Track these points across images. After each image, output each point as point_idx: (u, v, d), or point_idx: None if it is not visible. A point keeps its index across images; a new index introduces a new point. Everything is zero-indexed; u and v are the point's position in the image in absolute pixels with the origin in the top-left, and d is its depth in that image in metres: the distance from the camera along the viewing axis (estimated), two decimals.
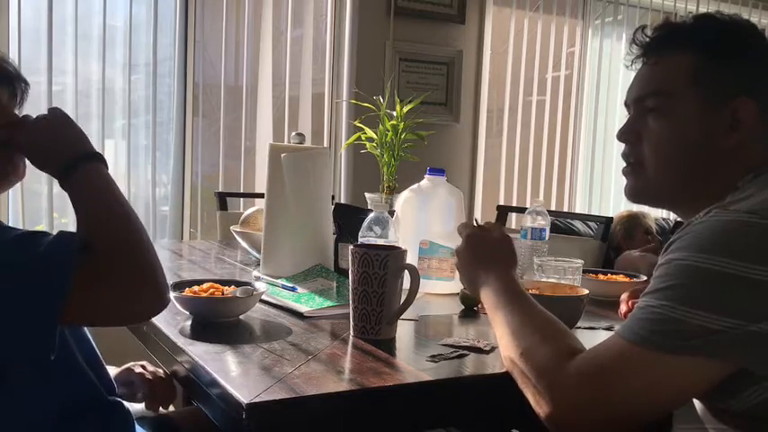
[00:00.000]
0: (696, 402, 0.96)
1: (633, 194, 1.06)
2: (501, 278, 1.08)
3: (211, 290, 1.25)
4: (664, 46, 1.00)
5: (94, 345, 1.18)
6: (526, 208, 1.75)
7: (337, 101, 3.40)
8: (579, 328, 1.29)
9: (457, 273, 1.56)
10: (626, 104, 1.06)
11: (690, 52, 0.97)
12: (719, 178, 0.96)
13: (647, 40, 1.02)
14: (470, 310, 1.43)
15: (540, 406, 0.87)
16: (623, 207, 3.79)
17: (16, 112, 1.14)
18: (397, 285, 1.16)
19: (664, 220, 3.65)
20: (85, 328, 1.15)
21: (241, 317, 1.25)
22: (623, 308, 1.33)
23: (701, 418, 0.95)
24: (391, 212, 1.57)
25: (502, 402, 1.05)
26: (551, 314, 0.99)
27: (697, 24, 1.01)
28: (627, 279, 1.67)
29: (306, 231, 1.63)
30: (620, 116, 4.16)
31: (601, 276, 1.68)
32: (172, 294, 1.21)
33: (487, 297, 1.08)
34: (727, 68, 0.96)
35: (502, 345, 0.99)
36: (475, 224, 1.23)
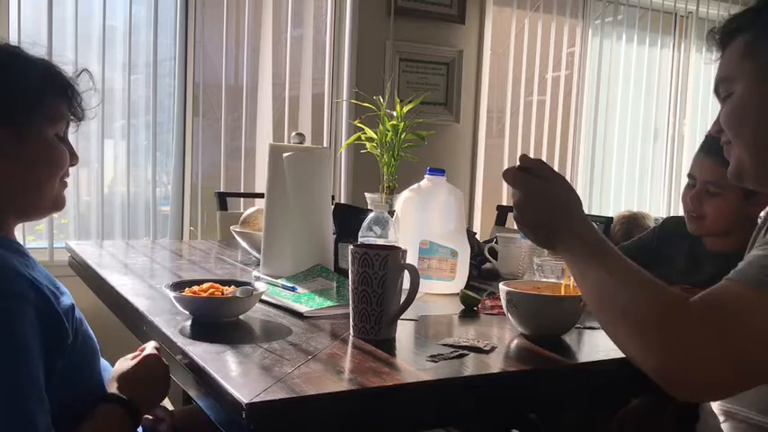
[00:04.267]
0: None
1: (731, 178, 1.05)
2: (579, 233, 1.00)
3: (211, 290, 1.25)
4: (725, 38, 1.03)
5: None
6: None
7: (337, 101, 3.40)
8: (579, 327, 1.29)
9: (457, 273, 1.58)
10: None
11: (745, 33, 1.00)
12: None
13: (716, 38, 1.04)
14: (470, 309, 1.43)
15: (652, 357, 0.86)
16: (623, 207, 3.79)
17: (72, 123, 1.15)
18: (396, 285, 1.16)
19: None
20: (90, 330, 1.15)
21: (241, 317, 1.25)
22: None
23: None
24: (391, 212, 1.57)
25: (502, 402, 1.05)
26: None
27: (754, 6, 1.02)
28: None
29: (306, 231, 1.63)
30: (620, 116, 4.17)
31: None
32: (172, 294, 1.21)
33: (569, 255, 1.01)
34: None
35: (598, 304, 0.95)
36: (519, 169, 1.04)
